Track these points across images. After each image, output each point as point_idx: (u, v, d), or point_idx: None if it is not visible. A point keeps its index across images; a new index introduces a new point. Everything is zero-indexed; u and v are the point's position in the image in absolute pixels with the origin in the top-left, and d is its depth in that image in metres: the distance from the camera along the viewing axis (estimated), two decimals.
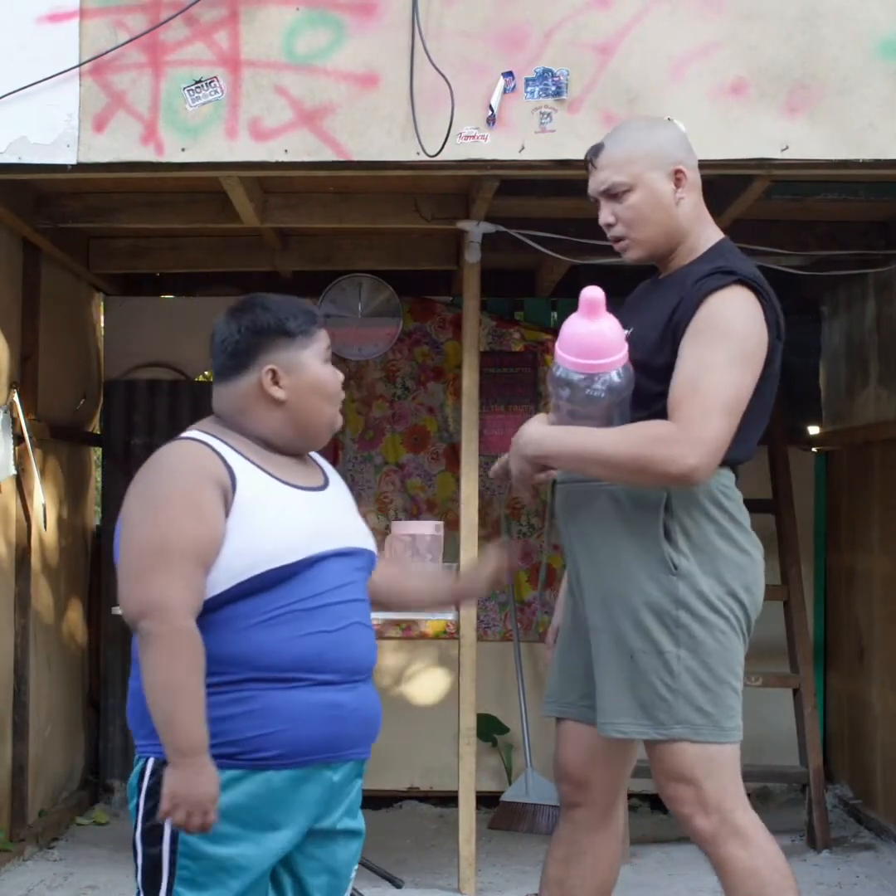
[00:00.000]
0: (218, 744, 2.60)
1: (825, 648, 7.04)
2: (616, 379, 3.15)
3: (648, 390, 3.18)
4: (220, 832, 2.62)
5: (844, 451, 6.88)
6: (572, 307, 7.73)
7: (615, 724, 3.25)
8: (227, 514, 2.66)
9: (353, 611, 2.77)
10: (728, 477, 3.23)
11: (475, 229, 5.47)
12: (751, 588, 3.22)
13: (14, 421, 5.64)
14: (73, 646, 6.70)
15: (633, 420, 3.18)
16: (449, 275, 6.75)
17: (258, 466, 2.74)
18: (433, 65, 4.36)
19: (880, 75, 4.40)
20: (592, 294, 3.15)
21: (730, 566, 3.19)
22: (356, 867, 2.88)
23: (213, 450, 2.71)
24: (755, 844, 3.17)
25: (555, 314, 7.25)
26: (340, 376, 2.89)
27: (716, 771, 3.18)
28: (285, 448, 2.81)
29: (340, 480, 2.95)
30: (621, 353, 3.16)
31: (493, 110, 4.37)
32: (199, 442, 2.73)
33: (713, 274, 3.17)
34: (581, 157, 4.40)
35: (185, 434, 2.79)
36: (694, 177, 3.31)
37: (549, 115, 4.40)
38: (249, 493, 2.68)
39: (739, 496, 3.26)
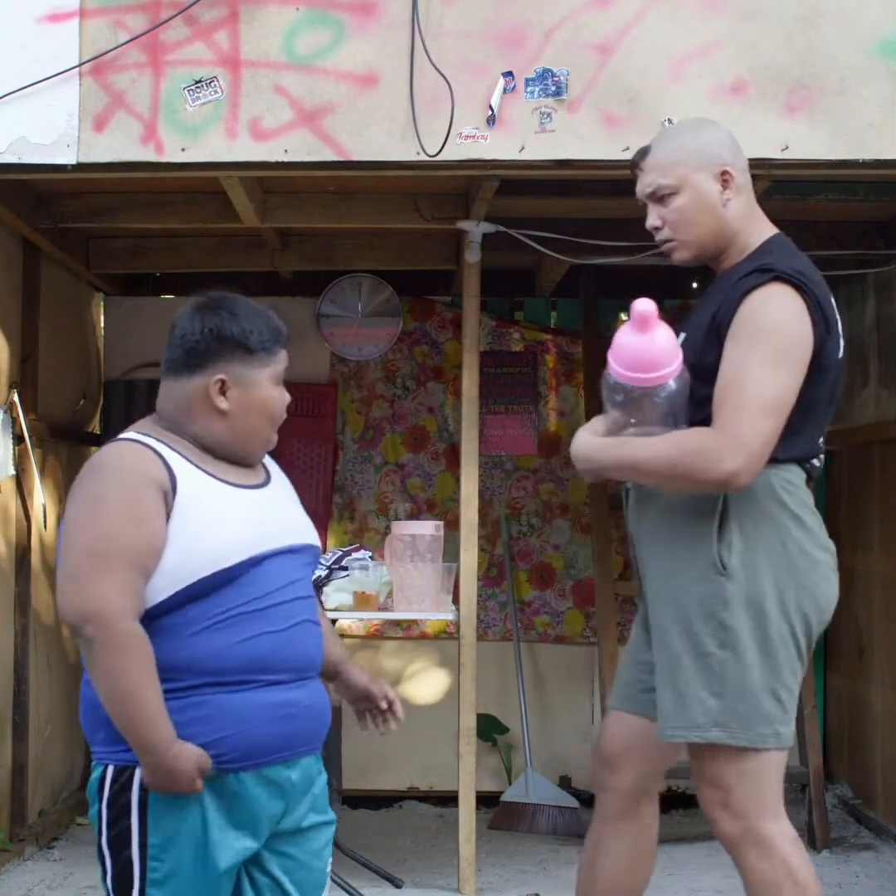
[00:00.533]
0: None
1: (825, 648, 7.04)
2: (672, 386, 3.14)
3: (699, 393, 3.17)
4: (187, 834, 2.64)
5: (844, 451, 6.88)
6: (572, 307, 7.74)
7: (665, 728, 3.25)
8: (167, 516, 2.64)
9: (300, 608, 2.76)
10: (792, 472, 3.17)
11: (475, 229, 5.47)
12: (811, 590, 3.17)
13: (14, 421, 5.64)
14: (73, 646, 6.69)
15: (690, 423, 3.17)
16: (449, 275, 6.75)
17: (198, 467, 2.71)
18: (433, 65, 4.36)
19: (880, 75, 4.40)
20: (644, 307, 3.12)
21: (786, 568, 3.14)
22: (331, 856, 2.88)
23: (154, 451, 2.69)
24: (778, 856, 3.14)
25: (555, 314, 7.25)
26: (287, 399, 2.85)
27: (747, 776, 3.16)
28: (222, 455, 2.78)
29: (281, 474, 2.92)
30: (676, 363, 3.14)
31: (493, 110, 4.37)
32: (139, 443, 2.71)
33: (752, 272, 3.15)
34: (581, 157, 4.45)
35: (124, 435, 2.75)
36: (742, 178, 3.30)
37: (549, 115, 4.40)
38: (190, 494, 2.66)
39: (806, 493, 3.20)
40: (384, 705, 3.00)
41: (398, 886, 5.43)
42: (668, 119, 4.38)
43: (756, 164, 4.46)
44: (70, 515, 2.67)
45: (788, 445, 3.13)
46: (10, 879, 5.45)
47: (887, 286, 6.21)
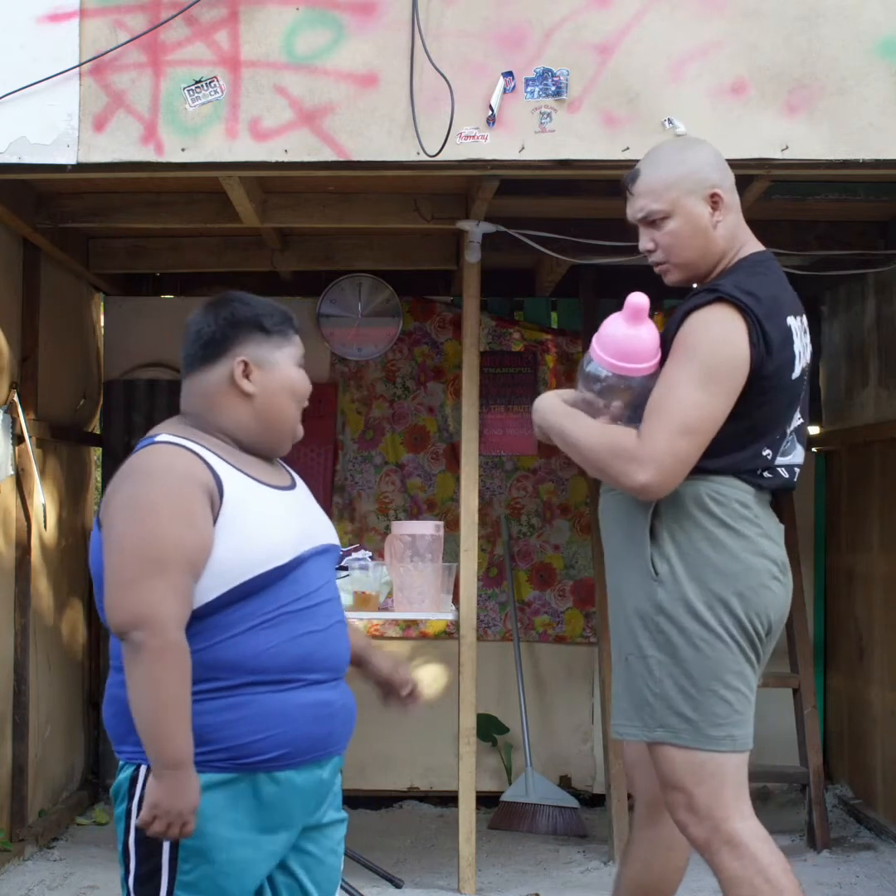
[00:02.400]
0: (215, 749, 2.61)
1: (825, 648, 7.04)
2: (644, 384, 3.21)
3: None
4: (221, 836, 2.62)
5: (844, 451, 6.88)
6: (572, 307, 7.71)
7: (615, 726, 3.33)
8: (215, 518, 2.65)
9: (334, 609, 2.78)
10: (725, 483, 3.21)
11: (475, 229, 5.47)
12: (745, 595, 3.19)
13: (14, 421, 5.64)
14: (74, 646, 6.70)
15: None
16: (449, 275, 6.75)
17: (238, 469, 2.72)
18: (433, 65, 4.36)
19: (880, 75, 4.40)
20: (637, 300, 3.20)
21: (717, 573, 3.18)
22: (343, 852, 2.90)
23: (196, 454, 2.69)
24: (748, 854, 3.16)
25: (555, 314, 7.25)
26: (309, 384, 2.87)
27: (706, 779, 3.19)
28: (252, 447, 2.80)
29: (299, 477, 2.95)
30: (654, 361, 3.22)
31: (493, 110, 4.37)
32: (179, 446, 2.70)
33: (700, 292, 3.22)
34: (581, 157, 4.45)
35: (160, 437, 2.74)
36: (730, 198, 3.33)
37: (549, 115, 4.40)
38: (236, 497, 2.67)
39: (742, 504, 3.22)
40: (405, 693, 3.02)
41: (398, 886, 5.43)
42: (668, 119, 4.38)
43: (756, 164, 4.48)
44: (116, 520, 2.65)
45: (720, 458, 3.18)
46: (10, 879, 5.44)
47: (887, 286, 6.21)
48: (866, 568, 6.52)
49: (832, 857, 5.92)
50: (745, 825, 3.19)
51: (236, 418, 2.77)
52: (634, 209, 3.33)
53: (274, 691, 2.66)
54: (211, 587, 2.63)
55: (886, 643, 6.24)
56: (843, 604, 6.87)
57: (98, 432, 7.10)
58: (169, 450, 2.70)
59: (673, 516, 3.20)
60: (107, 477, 7.05)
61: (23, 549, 5.86)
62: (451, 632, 6.61)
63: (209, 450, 2.72)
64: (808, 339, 3.33)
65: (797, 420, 3.32)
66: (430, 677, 6.97)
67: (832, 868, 5.77)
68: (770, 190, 5.10)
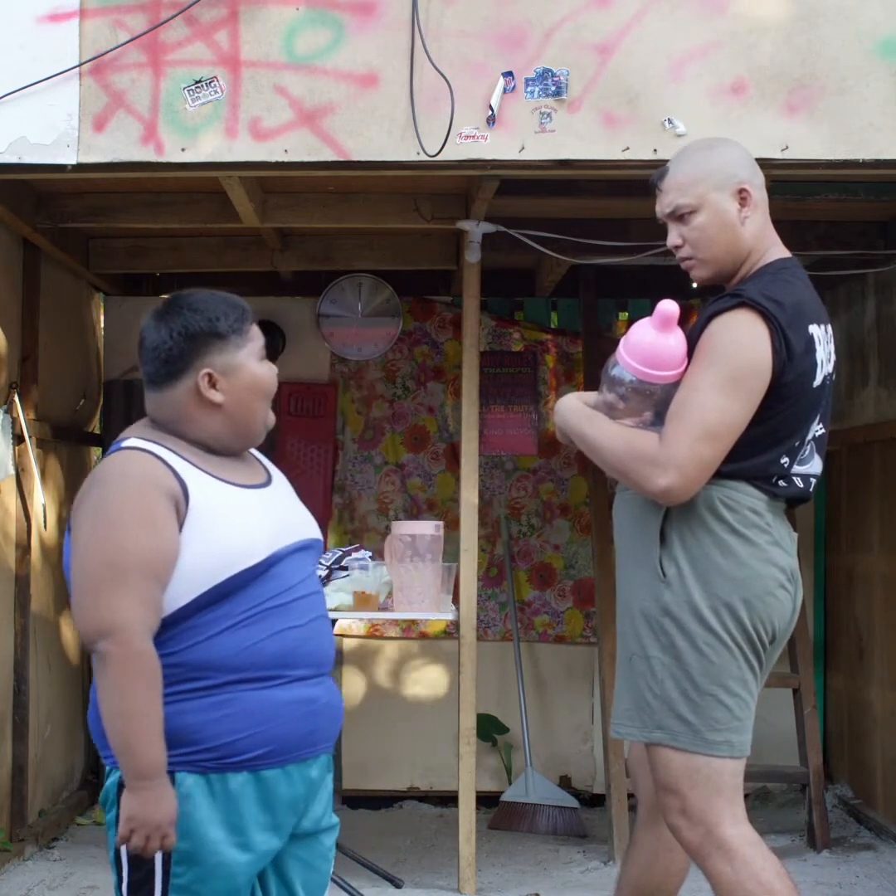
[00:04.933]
0: (200, 749, 2.61)
1: (825, 648, 7.04)
2: (666, 389, 3.21)
3: None
4: (209, 838, 2.62)
5: (844, 451, 6.88)
6: (572, 307, 7.71)
7: (615, 725, 3.33)
8: (181, 524, 2.63)
9: (316, 603, 2.77)
10: (738, 489, 3.20)
11: (475, 229, 5.47)
12: (751, 602, 3.18)
13: (14, 421, 5.64)
14: (73, 646, 6.70)
15: None
16: (449, 275, 6.75)
17: (205, 471, 2.71)
18: (433, 65, 4.37)
19: (880, 75, 4.40)
20: (668, 308, 3.20)
21: (724, 579, 3.17)
22: (334, 856, 2.89)
23: (161, 459, 2.67)
24: (740, 859, 3.16)
25: (555, 314, 7.25)
26: (275, 371, 2.84)
27: (701, 783, 3.19)
28: (224, 450, 2.78)
29: (279, 472, 2.92)
30: (679, 370, 3.22)
31: (493, 110, 4.38)
32: (144, 451, 2.68)
33: (724, 297, 3.21)
34: (581, 157, 4.45)
35: (126, 443, 2.72)
36: (759, 196, 3.33)
37: (548, 115, 4.40)
38: (203, 501, 2.66)
39: (754, 512, 3.21)
40: None
41: (398, 886, 5.43)
42: (669, 119, 4.38)
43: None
44: (80, 529, 2.64)
45: (735, 463, 3.17)
46: (10, 879, 5.44)
47: (887, 286, 6.21)
48: (866, 568, 6.52)
49: (832, 857, 5.92)
50: (737, 831, 3.19)
51: (207, 427, 2.75)
52: (663, 205, 3.32)
53: (257, 689, 2.65)
54: (183, 592, 2.62)
55: (886, 643, 6.24)
56: (843, 604, 6.87)
57: (98, 432, 7.10)
58: (134, 455, 2.68)
59: (684, 519, 3.20)
60: None
61: (23, 549, 5.86)
62: (451, 632, 6.61)
63: (177, 454, 2.70)
64: (832, 347, 3.31)
65: (818, 429, 3.28)
66: (430, 677, 6.98)
67: (832, 868, 5.77)
68: (770, 190, 5.09)
